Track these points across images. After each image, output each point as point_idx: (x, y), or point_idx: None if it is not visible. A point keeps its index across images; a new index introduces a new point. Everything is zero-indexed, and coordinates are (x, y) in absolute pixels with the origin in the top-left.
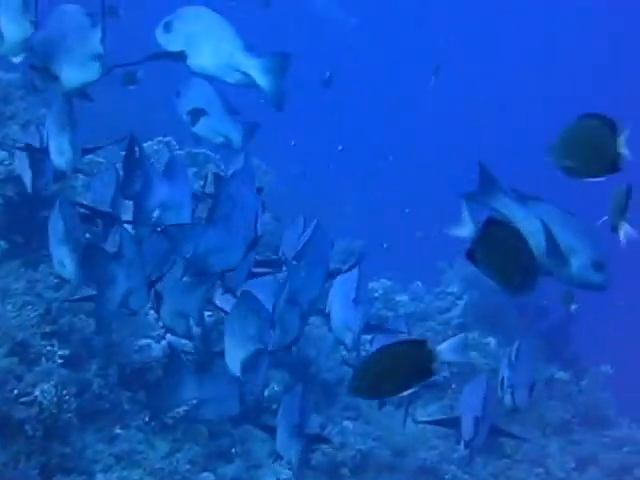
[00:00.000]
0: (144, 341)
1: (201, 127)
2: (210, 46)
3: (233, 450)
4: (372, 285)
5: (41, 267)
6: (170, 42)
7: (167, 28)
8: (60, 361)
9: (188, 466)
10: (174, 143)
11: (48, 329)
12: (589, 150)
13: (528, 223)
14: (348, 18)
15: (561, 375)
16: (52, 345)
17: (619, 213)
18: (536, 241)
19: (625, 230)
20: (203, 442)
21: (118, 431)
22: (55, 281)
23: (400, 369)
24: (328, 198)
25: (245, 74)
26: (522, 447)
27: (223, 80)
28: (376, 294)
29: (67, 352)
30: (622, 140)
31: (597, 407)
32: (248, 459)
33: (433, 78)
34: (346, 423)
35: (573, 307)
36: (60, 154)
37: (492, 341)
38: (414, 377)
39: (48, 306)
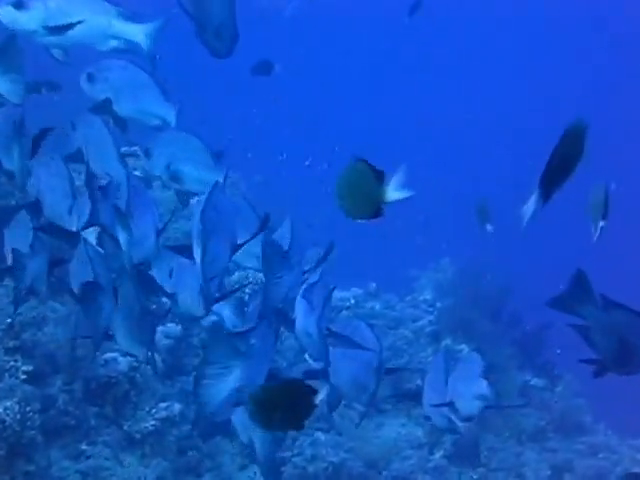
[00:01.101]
0: (110, 355)
1: (132, 110)
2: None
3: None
4: (343, 294)
5: (5, 281)
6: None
7: None
8: (24, 377)
9: None
10: (140, 152)
11: (11, 344)
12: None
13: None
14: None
15: (536, 382)
16: (15, 360)
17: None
18: None
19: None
20: (171, 457)
21: (84, 447)
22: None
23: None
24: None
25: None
26: (497, 455)
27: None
28: (348, 303)
29: (31, 367)
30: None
31: (572, 414)
32: (218, 473)
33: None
34: (318, 435)
35: (489, 227)
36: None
37: (465, 348)
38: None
39: (11, 321)
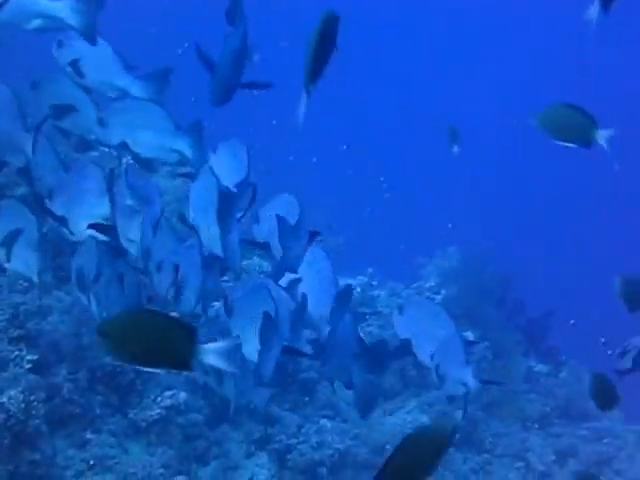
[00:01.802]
0: None
1: (95, 82)
2: None
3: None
4: (349, 282)
5: (8, 271)
6: None
7: None
8: (28, 366)
9: (162, 470)
10: None
11: (15, 333)
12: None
13: None
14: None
15: (540, 368)
16: (20, 350)
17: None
18: None
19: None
20: (177, 445)
21: (89, 436)
22: (23, 285)
23: (155, 343)
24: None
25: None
26: (502, 441)
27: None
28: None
29: (35, 357)
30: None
31: (576, 399)
32: (225, 461)
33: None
34: (323, 422)
35: (456, 149)
36: None
37: (470, 336)
38: (167, 359)
39: (15, 310)
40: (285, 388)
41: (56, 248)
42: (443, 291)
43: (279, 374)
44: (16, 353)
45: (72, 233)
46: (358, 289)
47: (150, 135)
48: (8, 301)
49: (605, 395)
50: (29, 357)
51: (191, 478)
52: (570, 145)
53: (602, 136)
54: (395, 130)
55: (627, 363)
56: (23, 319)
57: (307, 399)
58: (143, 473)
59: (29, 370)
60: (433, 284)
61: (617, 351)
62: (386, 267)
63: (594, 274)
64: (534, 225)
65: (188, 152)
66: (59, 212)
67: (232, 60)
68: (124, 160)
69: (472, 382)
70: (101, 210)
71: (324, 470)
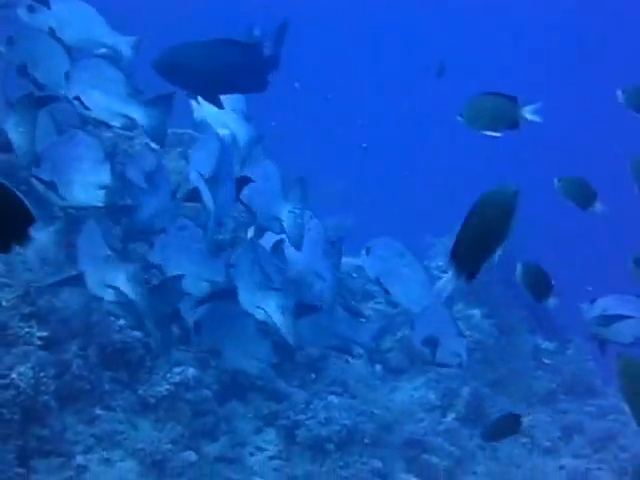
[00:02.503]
0: (124, 321)
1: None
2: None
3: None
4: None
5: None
6: None
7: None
8: (39, 342)
9: (170, 445)
10: None
11: (27, 310)
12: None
13: None
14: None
15: (547, 345)
16: (31, 327)
17: None
18: None
19: None
20: (186, 421)
21: (99, 412)
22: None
23: None
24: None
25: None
26: None
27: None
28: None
29: (46, 333)
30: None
31: (582, 376)
32: (233, 437)
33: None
34: (331, 398)
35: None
36: None
37: (477, 313)
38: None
39: (26, 287)
40: (293, 365)
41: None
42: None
43: (286, 350)
44: (26, 330)
45: (63, 199)
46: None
47: (102, 96)
48: (19, 279)
49: (539, 285)
50: (39, 334)
51: (200, 454)
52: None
53: (528, 112)
54: (411, 114)
55: (595, 311)
56: (34, 296)
57: (314, 376)
58: (151, 449)
59: (39, 347)
60: (440, 263)
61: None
62: None
63: (603, 252)
64: (543, 203)
65: (141, 120)
66: (47, 177)
67: None
68: (137, 141)
69: (466, 353)
70: (97, 178)
71: (332, 446)
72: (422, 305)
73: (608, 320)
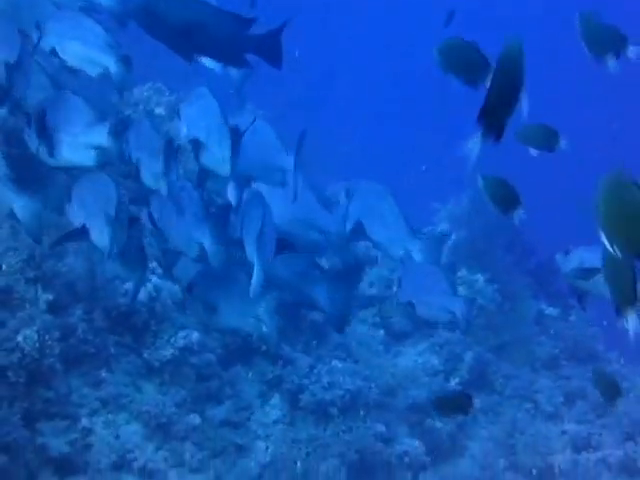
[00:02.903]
0: (130, 284)
1: None
2: None
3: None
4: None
5: None
6: None
7: None
8: (44, 306)
9: (175, 409)
10: (165, 89)
11: (32, 274)
12: None
13: None
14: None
15: (550, 311)
16: (36, 290)
17: None
18: None
19: None
20: (190, 385)
21: (104, 375)
22: None
23: None
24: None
25: None
26: (511, 383)
27: None
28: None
29: (51, 297)
30: None
31: (585, 342)
32: (237, 401)
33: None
34: (335, 363)
35: None
36: None
37: (480, 278)
38: None
39: (31, 251)
40: (297, 329)
41: None
42: (454, 235)
43: (291, 314)
44: (32, 294)
45: (53, 158)
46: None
47: (78, 46)
48: (25, 243)
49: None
50: (45, 297)
51: (204, 418)
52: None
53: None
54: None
55: (572, 263)
56: (39, 260)
57: (315, 342)
58: (156, 411)
59: (44, 310)
60: (445, 228)
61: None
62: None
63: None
64: (545, 169)
65: (112, 68)
66: (38, 137)
67: None
68: (140, 107)
69: (461, 310)
70: (88, 139)
71: (335, 410)
72: (404, 247)
73: (587, 273)
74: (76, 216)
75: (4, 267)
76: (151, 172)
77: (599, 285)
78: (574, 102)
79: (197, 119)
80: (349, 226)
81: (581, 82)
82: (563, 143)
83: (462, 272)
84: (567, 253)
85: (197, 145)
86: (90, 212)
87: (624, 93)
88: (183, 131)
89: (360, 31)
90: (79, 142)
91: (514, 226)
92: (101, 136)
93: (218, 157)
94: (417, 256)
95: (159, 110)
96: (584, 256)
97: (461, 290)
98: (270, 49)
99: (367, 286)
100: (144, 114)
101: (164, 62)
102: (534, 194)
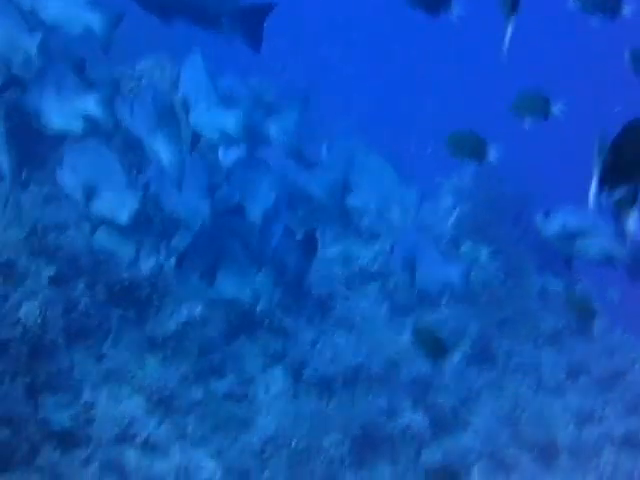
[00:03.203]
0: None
1: None
2: None
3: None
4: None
5: (30, 186)
6: None
7: None
8: (46, 280)
9: (177, 383)
10: (167, 62)
11: (34, 248)
12: None
13: None
14: None
15: (554, 286)
16: (38, 264)
17: None
18: None
19: None
20: (193, 359)
21: (106, 349)
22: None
23: None
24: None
25: None
26: (514, 358)
27: None
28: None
29: (53, 271)
30: None
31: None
32: (240, 374)
33: None
34: (338, 337)
35: None
36: None
37: (484, 252)
38: None
39: (34, 225)
40: (300, 303)
41: None
42: (458, 208)
43: (294, 286)
44: (34, 267)
45: (44, 124)
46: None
47: (60, 4)
48: (27, 216)
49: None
50: (47, 271)
51: (206, 391)
52: None
53: None
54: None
55: (553, 226)
56: (42, 233)
57: (321, 314)
58: (158, 385)
59: (47, 284)
60: (449, 203)
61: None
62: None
63: None
64: (552, 143)
65: (95, 27)
66: (33, 103)
67: None
68: (143, 81)
69: (458, 279)
70: (77, 106)
71: (338, 384)
72: (390, 202)
73: (571, 235)
74: (67, 181)
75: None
76: (154, 145)
77: (586, 248)
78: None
79: (189, 83)
80: (332, 180)
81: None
82: (555, 109)
83: (466, 246)
84: (547, 215)
85: (188, 108)
86: (82, 178)
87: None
88: (177, 94)
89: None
90: (69, 109)
91: (520, 200)
92: (90, 104)
93: (207, 121)
94: (408, 207)
95: (163, 83)
96: (566, 218)
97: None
98: (250, 27)
99: (370, 260)
100: (147, 86)
101: (169, 34)
102: (543, 168)
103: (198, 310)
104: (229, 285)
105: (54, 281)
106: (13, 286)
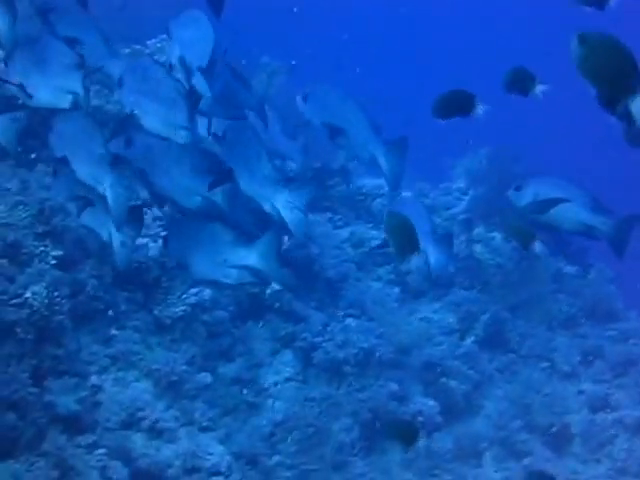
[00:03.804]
0: (141, 240)
1: None
2: None
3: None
4: (376, 182)
5: (38, 166)
6: None
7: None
8: (53, 262)
9: (185, 366)
10: None
11: (41, 229)
12: None
13: None
14: None
15: (568, 269)
16: (45, 246)
17: None
18: None
19: None
20: (202, 342)
21: (114, 332)
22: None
23: None
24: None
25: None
26: (528, 342)
27: None
28: (381, 191)
29: (60, 253)
30: None
31: (604, 301)
32: (249, 358)
33: None
34: (349, 321)
35: None
36: None
37: (497, 236)
38: None
39: (41, 206)
40: (311, 286)
41: None
42: (471, 192)
43: (303, 270)
44: (41, 249)
45: (30, 98)
46: (385, 188)
47: None
48: (34, 197)
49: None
50: (54, 253)
51: (215, 375)
52: None
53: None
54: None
55: (526, 198)
56: (49, 215)
57: (329, 299)
58: (166, 369)
59: (54, 266)
60: (462, 185)
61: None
62: (415, 168)
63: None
64: (565, 123)
65: None
66: (17, 77)
67: None
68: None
69: (434, 257)
70: (65, 82)
71: (348, 368)
72: (369, 150)
73: (544, 206)
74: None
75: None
76: (163, 120)
77: (560, 218)
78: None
79: (190, 43)
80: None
81: None
82: (538, 88)
83: (479, 229)
84: (519, 189)
85: (188, 68)
86: (69, 144)
87: None
88: (175, 52)
89: None
90: (54, 84)
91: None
92: (76, 82)
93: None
94: (381, 160)
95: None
96: (538, 189)
97: (478, 247)
98: None
99: (382, 242)
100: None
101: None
102: (554, 149)
103: (207, 293)
104: (206, 267)
105: (61, 263)
106: (20, 267)
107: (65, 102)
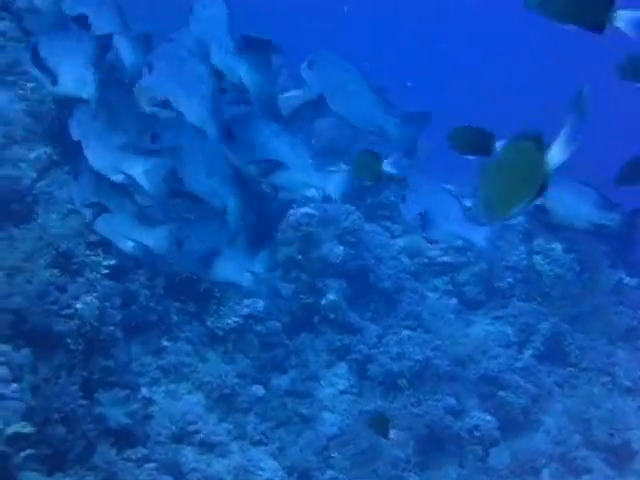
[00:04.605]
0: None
1: None
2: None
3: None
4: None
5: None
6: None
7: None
8: (105, 272)
9: (238, 379)
10: None
11: (93, 238)
12: None
13: None
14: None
15: (629, 281)
16: (97, 255)
17: None
18: None
19: None
20: (254, 354)
21: (166, 343)
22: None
23: None
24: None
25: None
26: (588, 355)
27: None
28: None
29: (112, 262)
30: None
31: None
32: (303, 370)
33: None
34: (405, 332)
35: None
36: None
37: (558, 247)
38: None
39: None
40: (366, 298)
41: None
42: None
43: (359, 281)
44: (93, 258)
45: (54, 86)
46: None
47: None
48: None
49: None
50: (106, 263)
51: (268, 388)
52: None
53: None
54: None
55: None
56: None
57: (387, 308)
58: (219, 382)
59: (105, 276)
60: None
61: None
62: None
63: None
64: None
65: None
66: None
67: None
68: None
69: (481, 242)
70: (89, 73)
71: (404, 381)
72: (369, 125)
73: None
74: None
75: (65, 230)
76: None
77: (566, 217)
78: None
79: (208, 25)
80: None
81: None
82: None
83: (539, 240)
84: None
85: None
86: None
87: None
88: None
89: None
90: (78, 74)
91: None
92: (98, 71)
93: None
94: (392, 134)
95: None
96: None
97: (538, 259)
98: None
99: (439, 252)
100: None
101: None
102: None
103: (260, 304)
104: (225, 269)
105: (112, 273)
106: (71, 277)
107: (87, 93)
